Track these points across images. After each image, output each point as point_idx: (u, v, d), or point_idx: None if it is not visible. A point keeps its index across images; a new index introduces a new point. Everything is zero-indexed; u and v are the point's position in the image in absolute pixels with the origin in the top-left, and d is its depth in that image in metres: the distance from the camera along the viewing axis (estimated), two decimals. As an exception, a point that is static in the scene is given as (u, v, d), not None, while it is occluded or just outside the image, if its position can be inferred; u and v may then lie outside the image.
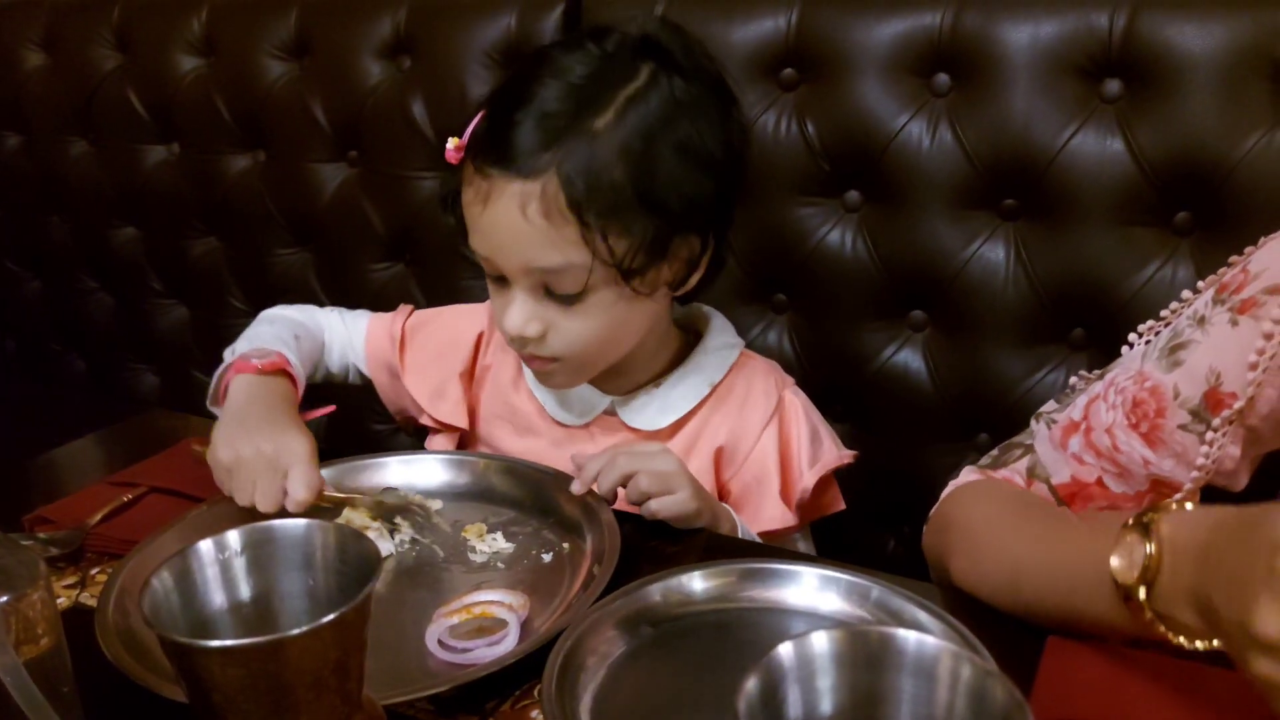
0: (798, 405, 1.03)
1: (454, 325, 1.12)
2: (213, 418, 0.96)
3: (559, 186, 0.86)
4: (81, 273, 1.73)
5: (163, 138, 1.58)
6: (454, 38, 1.34)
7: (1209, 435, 0.72)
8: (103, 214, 1.66)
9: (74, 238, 1.72)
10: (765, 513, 1.00)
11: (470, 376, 1.11)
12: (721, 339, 1.05)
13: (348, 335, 1.15)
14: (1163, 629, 0.61)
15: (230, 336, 1.58)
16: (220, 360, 1.03)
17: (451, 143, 0.94)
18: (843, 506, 1.06)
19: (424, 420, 1.11)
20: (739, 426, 1.01)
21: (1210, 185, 1.01)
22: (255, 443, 0.89)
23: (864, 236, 1.17)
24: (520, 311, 0.92)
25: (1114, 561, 0.63)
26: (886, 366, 1.19)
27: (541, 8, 1.29)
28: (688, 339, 1.05)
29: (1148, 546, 0.61)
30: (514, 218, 0.87)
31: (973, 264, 1.12)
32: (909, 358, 1.18)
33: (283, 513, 0.86)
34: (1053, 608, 0.71)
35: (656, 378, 1.02)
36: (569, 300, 0.91)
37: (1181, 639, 0.61)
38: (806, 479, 1.00)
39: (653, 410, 1.01)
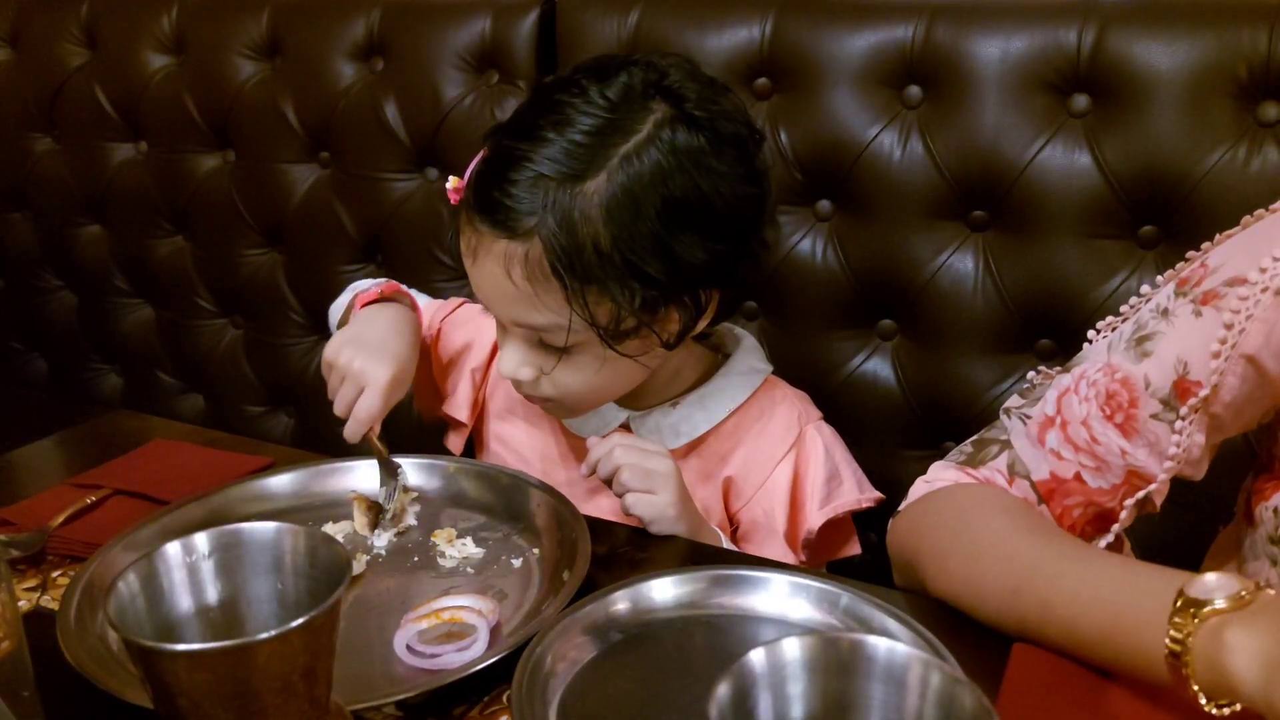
0: (819, 442, 1.01)
1: (482, 324, 1.13)
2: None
3: (542, 250, 0.85)
4: (44, 271, 1.71)
5: (130, 136, 1.56)
6: (427, 40, 1.33)
7: (1178, 424, 0.74)
8: (67, 212, 1.63)
9: (37, 236, 1.69)
10: (768, 549, 0.99)
11: (484, 373, 1.12)
12: (748, 363, 1.03)
13: None
14: (1187, 659, 0.60)
15: (197, 337, 1.59)
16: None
17: (451, 182, 0.93)
18: (858, 550, 1.05)
19: (441, 411, 1.14)
20: (753, 457, 1.00)
21: (1175, 199, 1.02)
22: (353, 354, 0.95)
23: (835, 245, 1.17)
24: (513, 358, 0.92)
25: (1210, 577, 0.61)
26: (855, 374, 1.20)
27: (516, 12, 1.29)
28: (716, 359, 1.04)
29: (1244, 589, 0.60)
30: (499, 276, 0.87)
31: (942, 274, 1.13)
32: (878, 366, 1.19)
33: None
34: (1055, 618, 0.70)
35: (676, 397, 1.01)
36: (558, 352, 0.91)
37: (1198, 689, 0.60)
38: (813, 520, 0.98)
39: (666, 428, 1.00)
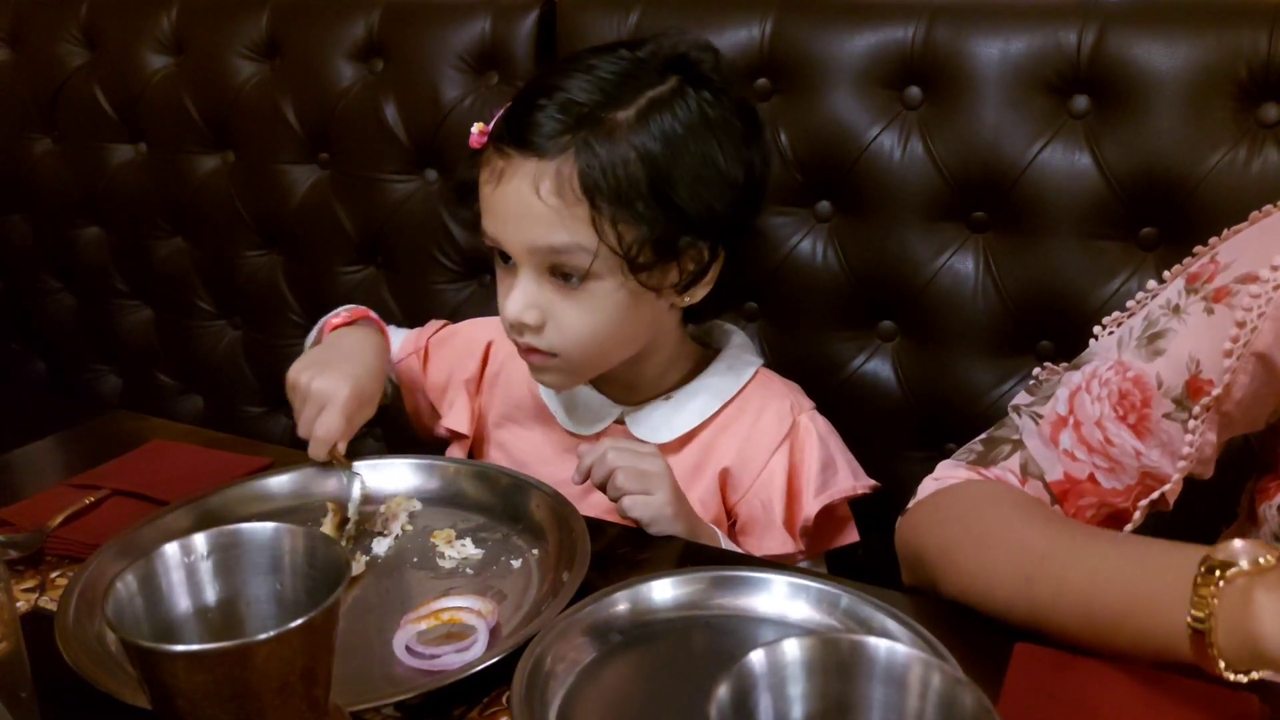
0: (813, 431, 1.02)
1: (469, 337, 1.14)
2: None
3: (574, 168, 0.87)
4: (43, 273, 1.70)
5: (130, 137, 1.56)
6: (427, 41, 1.33)
7: (1190, 423, 0.73)
8: (66, 213, 1.63)
9: (36, 237, 1.69)
10: (768, 540, 0.99)
11: (478, 384, 1.12)
12: (738, 356, 1.05)
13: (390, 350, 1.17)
14: (1210, 624, 0.59)
15: (196, 338, 1.59)
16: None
17: (476, 127, 0.95)
18: (856, 538, 1.05)
19: (439, 430, 1.14)
20: (748, 447, 1.01)
21: (1175, 200, 1.02)
22: (313, 374, 0.96)
23: (835, 246, 1.17)
24: (521, 296, 0.92)
25: (1237, 542, 0.61)
26: (855, 375, 1.20)
27: (516, 12, 1.29)
28: (707, 355, 1.05)
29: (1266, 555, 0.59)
30: (526, 194, 0.89)
31: (942, 275, 1.13)
32: (878, 367, 1.19)
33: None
34: (1069, 600, 0.69)
35: (668, 391, 1.02)
36: (571, 286, 0.91)
37: (1217, 653, 0.60)
38: (810, 507, 0.99)
39: (660, 422, 1.01)
